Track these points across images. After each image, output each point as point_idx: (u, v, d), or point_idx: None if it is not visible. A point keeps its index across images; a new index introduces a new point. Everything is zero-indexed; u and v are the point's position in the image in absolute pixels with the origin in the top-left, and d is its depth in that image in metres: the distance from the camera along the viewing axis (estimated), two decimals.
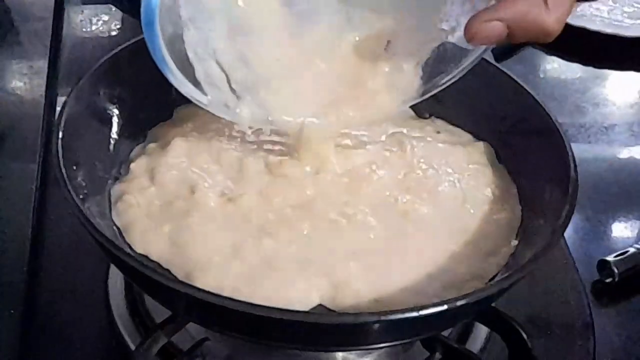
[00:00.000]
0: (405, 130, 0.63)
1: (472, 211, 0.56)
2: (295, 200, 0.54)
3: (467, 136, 0.64)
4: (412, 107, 0.63)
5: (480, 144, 0.62)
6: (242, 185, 0.55)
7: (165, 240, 0.51)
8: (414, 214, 0.54)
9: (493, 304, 0.50)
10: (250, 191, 0.54)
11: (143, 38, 0.60)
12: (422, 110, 0.65)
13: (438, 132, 0.63)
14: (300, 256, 0.50)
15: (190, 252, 0.50)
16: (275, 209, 0.53)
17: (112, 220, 0.53)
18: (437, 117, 0.65)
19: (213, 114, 0.54)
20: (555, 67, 0.99)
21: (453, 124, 0.65)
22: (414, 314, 0.40)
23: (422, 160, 0.59)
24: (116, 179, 0.56)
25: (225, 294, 0.42)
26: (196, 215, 0.52)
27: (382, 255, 0.51)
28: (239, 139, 0.59)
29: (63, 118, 0.51)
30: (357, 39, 0.54)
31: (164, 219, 0.52)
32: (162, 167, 0.56)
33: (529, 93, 0.59)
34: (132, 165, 0.57)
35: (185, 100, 0.53)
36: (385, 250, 0.51)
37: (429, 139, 0.62)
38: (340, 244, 0.51)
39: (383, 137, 0.62)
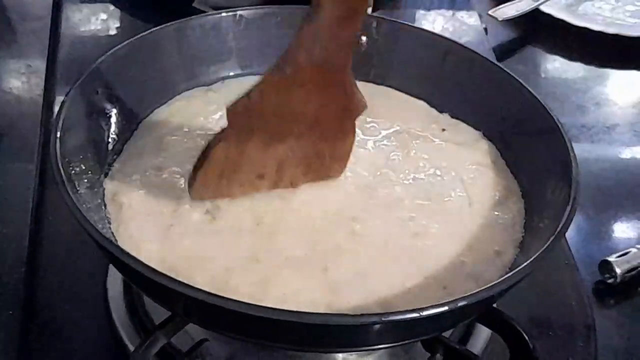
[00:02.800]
0: (410, 128, 0.62)
1: (477, 215, 0.55)
2: (286, 213, 0.53)
3: (472, 134, 0.63)
4: (426, 99, 0.65)
5: (484, 144, 0.61)
6: (232, 200, 0.53)
7: (153, 257, 0.49)
8: (420, 227, 0.53)
9: (494, 305, 0.50)
10: (241, 206, 0.53)
11: (142, 36, 0.60)
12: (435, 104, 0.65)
13: (443, 130, 0.63)
14: (298, 270, 0.49)
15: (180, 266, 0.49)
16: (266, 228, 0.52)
17: (108, 219, 0.52)
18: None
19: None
20: (557, 66, 0.98)
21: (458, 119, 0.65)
22: (415, 315, 0.40)
23: (426, 164, 0.59)
24: (111, 177, 0.56)
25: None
26: (182, 231, 0.51)
27: (387, 260, 0.50)
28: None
29: (61, 117, 0.51)
30: None
31: (151, 229, 0.51)
32: (153, 169, 0.55)
33: (530, 93, 0.58)
34: (125, 164, 0.56)
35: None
36: (391, 256, 0.51)
37: (434, 140, 0.62)
38: (344, 259, 0.50)
39: (390, 131, 0.62)
